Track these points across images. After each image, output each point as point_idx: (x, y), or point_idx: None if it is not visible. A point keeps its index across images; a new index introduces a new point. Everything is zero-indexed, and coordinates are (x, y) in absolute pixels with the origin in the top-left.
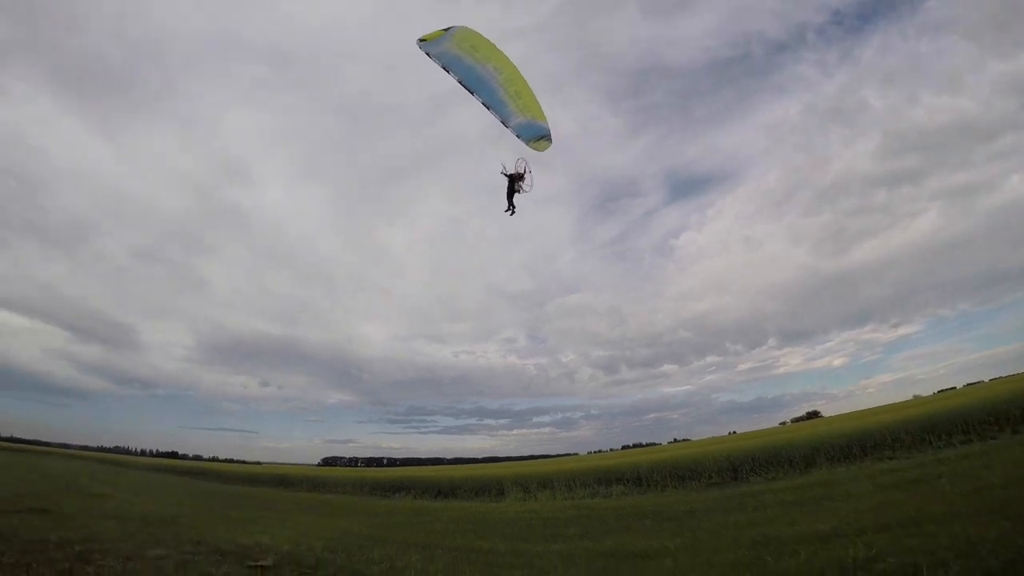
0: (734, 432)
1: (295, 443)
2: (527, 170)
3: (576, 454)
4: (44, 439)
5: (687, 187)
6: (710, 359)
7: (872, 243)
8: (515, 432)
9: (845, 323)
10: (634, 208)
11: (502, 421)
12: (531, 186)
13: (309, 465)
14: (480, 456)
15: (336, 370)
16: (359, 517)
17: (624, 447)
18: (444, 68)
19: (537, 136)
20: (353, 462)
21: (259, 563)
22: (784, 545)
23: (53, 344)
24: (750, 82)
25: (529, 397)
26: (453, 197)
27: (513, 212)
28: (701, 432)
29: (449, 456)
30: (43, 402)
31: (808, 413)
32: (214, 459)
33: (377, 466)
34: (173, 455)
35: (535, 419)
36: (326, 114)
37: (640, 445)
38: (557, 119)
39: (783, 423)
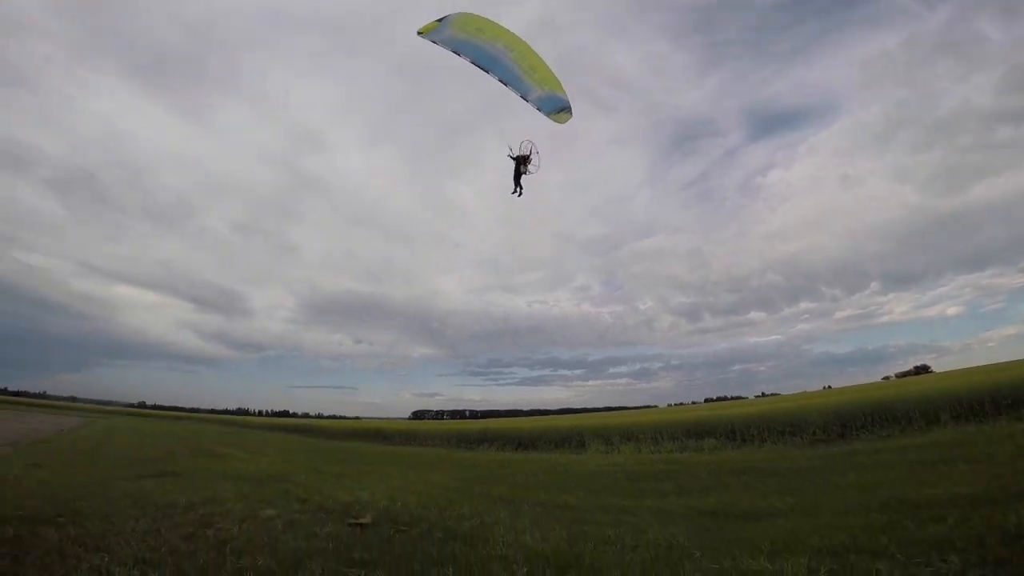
0: (829, 387)
1: (388, 397)
2: (533, 151)
3: (655, 406)
4: (180, 404)
5: (771, 124)
6: (803, 305)
7: (995, 181)
8: (590, 383)
9: (961, 266)
10: (714, 147)
11: (577, 372)
12: (537, 167)
13: (401, 419)
14: (555, 408)
15: (419, 325)
16: (447, 470)
17: (707, 400)
18: (455, 52)
19: (558, 108)
20: (439, 415)
21: (359, 521)
22: (921, 509)
23: (179, 315)
24: (836, 15)
25: (604, 347)
26: (515, 146)
27: (520, 194)
28: (791, 386)
29: (526, 408)
30: (175, 370)
31: (916, 368)
32: (319, 415)
33: (460, 418)
34: (285, 414)
35: (611, 370)
36: (385, 76)
37: (724, 399)
38: (620, 60)
39: (886, 378)
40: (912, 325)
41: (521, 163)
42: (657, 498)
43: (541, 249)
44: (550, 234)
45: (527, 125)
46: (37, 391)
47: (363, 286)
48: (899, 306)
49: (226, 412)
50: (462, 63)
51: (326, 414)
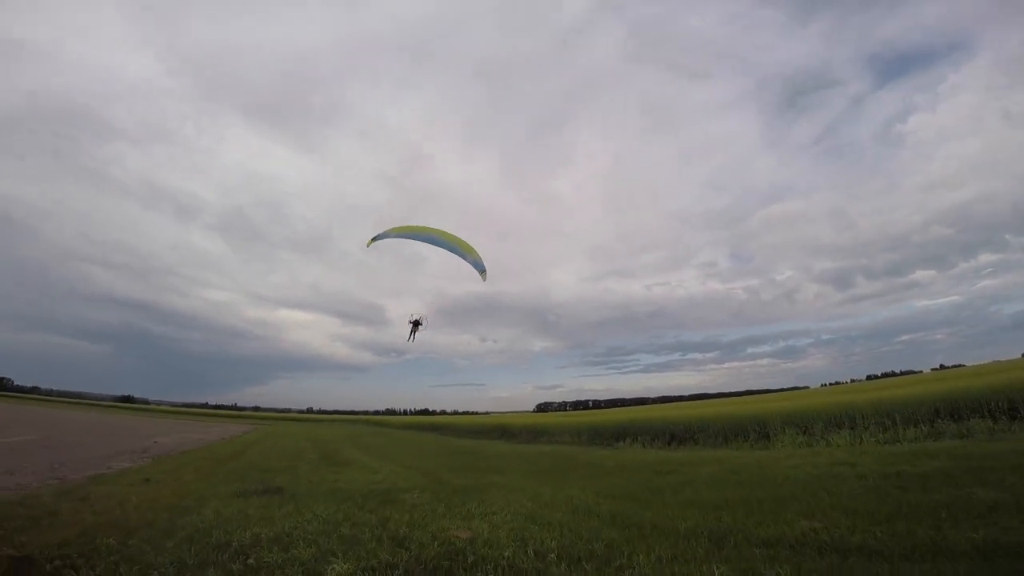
0: None
1: (513, 392)
2: (424, 321)
3: (805, 387)
4: (340, 408)
5: (898, 66)
6: (984, 258)
7: None
8: (725, 366)
9: None
10: (833, 99)
11: (709, 355)
12: (425, 328)
13: (526, 412)
14: (687, 393)
15: (536, 318)
16: (588, 479)
17: (870, 378)
18: (409, 239)
19: (479, 270)
20: (562, 406)
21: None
22: None
23: (331, 330)
24: None
25: (739, 326)
26: (606, 132)
27: (412, 341)
28: (977, 356)
29: (653, 395)
30: (334, 378)
31: None
32: (455, 412)
33: (583, 409)
34: (425, 411)
35: (749, 350)
36: (465, 85)
37: (891, 375)
38: (696, 23)
39: None
40: None
41: (415, 326)
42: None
43: (655, 229)
44: (663, 213)
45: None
46: (230, 404)
47: (483, 287)
48: None
49: (376, 413)
50: (536, 53)
51: (460, 410)
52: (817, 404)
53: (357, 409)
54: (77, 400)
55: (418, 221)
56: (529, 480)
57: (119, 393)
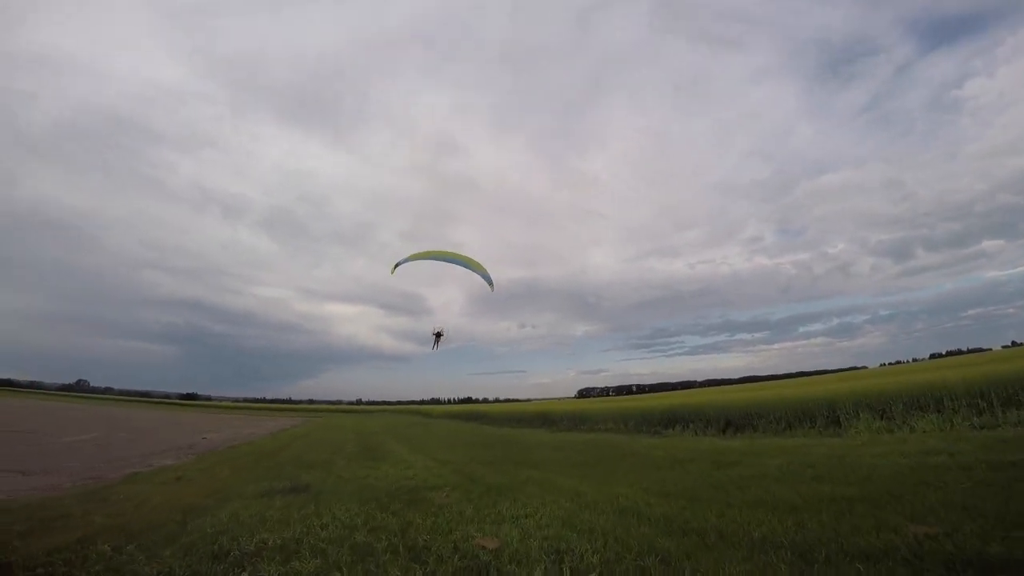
0: None
1: (555, 377)
2: (445, 331)
3: (864, 367)
4: (387, 399)
5: (948, 30)
6: None
7: None
8: (776, 346)
9: None
10: (878, 66)
11: (758, 335)
12: (446, 338)
13: (568, 398)
14: (735, 376)
15: (576, 301)
16: (635, 473)
17: (934, 356)
18: (428, 260)
19: (487, 281)
20: (605, 391)
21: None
22: None
23: (375, 321)
24: None
25: (789, 302)
26: (637, 107)
27: (436, 350)
28: None
29: (700, 378)
30: (380, 368)
31: None
32: (496, 400)
33: (627, 394)
34: (468, 400)
35: (801, 328)
36: (490, 70)
37: (957, 353)
38: None
39: None
40: None
41: (438, 337)
42: None
43: (696, 204)
44: (704, 186)
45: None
46: (285, 398)
47: (519, 272)
48: None
49: (422, 402)
50: (555, 34)
51: (502, 398)
52: (892, 384)
53: (404, 399)
54: (145, 399)
55: (450, 208)
56: (569, 475)
57: (184, 391)
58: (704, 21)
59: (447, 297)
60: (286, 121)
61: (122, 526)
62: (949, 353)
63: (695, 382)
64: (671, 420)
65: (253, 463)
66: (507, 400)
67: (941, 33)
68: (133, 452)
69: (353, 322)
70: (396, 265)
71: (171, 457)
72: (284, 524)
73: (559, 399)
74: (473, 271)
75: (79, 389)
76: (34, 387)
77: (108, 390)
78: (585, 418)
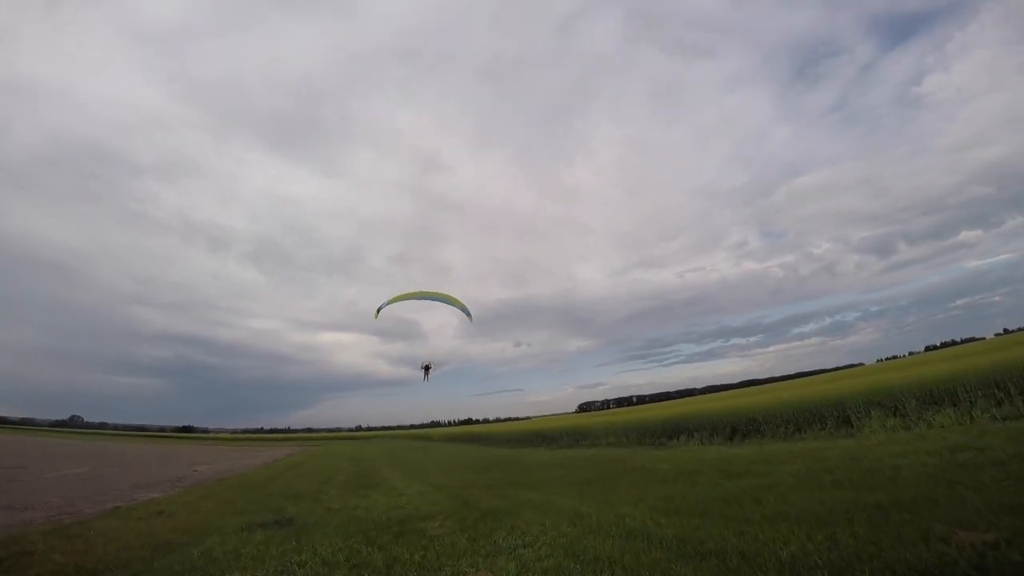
0: None
1: (553, 394)
2: (432, 364)
3: (860, 364)
4: (387, 424)
5: (901, 28)
6: None
7: None
8: (772, 349)
9: None
10: (842, 67)
11: (753, 339)
12: (440, 363)
13: (568, 413)
14: (734, 381)
15: (568, 317)
16: (639, 489)
17: (928, 348)
18: (410, 300)
19: (466, 313)
20: (605, 404)
21: None
22: None
23: (370, 348)
24: None
25: (780, 304)
26: (617, 117)
27: (427, 381)
28: None
29: (699, 385)
30: (378, 394)
31: None
32: (496, 419)
33: (627, 405)
34: (469, 421)
35: (794, 330)
36: (471, 86)
37: (952, 344)
38: (694, 2)
39: None
40: None
41: (427, 370)
42: None
43: (679, 211)
44: (686, 193)
45: None
46: (283, 427)
47: (509, 291)
48: None
49: (422, 426)
50: (536, 46)
51: (502, 417)
52: (899, 379)
53: (404, 424)
54: (140, 433)
55: (438, 228)
56: (570, 495)
57: (179, 424)
58: (676, 30)
59: (440, 321)
60: (269, 145)
61: (82, 565)
62: (943, 344)
63: (695, 389)
64: (674, 430)
65: (238, 495)
66: (507, 419)
67: (898, 31)
68: (120, 485)
69: (350, 350)
70: (379, 309)
71: (157, 490)
72: (259, 561)
73: (559, 415)
74: (452, 306)
75: (73, 425)
76: (26, 424)
77: (103, 425)
78: (585, 433)
